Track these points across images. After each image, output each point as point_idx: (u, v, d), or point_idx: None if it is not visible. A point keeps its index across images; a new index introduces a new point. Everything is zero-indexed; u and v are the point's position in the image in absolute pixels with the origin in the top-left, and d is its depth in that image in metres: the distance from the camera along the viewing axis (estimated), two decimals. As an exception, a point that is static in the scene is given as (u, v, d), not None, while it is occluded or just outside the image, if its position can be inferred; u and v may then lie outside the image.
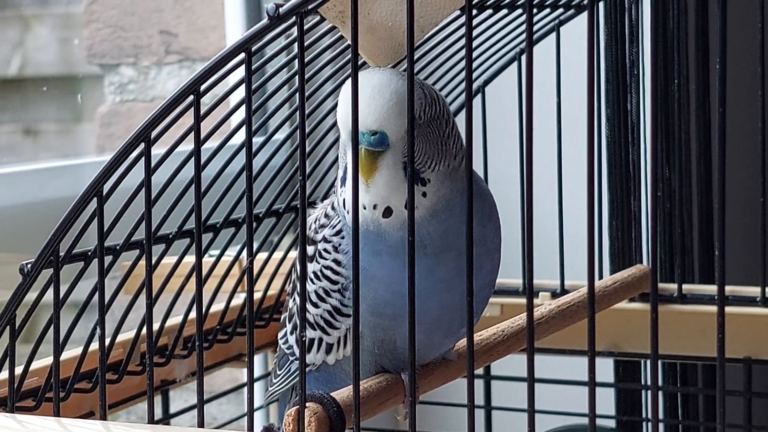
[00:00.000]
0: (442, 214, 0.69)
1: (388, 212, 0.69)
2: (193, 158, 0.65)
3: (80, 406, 0.83)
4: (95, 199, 0.66)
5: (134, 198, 0.70)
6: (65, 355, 0.77)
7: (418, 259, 0.63)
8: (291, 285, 0.80)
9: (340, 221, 0.73)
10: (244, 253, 0.70)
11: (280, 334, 0.81)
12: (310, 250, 0.74)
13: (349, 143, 0.68)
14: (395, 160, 0.68)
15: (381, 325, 0.71)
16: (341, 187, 0.71)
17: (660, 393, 1.17)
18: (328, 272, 0.73)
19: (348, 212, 0.71)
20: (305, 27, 0.62)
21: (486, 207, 0.72)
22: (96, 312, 0.69)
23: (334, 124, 0.93)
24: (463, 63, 0.60)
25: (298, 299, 0.77)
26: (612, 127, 1.14)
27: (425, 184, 0.69)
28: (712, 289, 1.04)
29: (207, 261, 0.88)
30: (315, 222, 0.74)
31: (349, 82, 0.68)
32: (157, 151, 0.67)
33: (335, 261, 0.72)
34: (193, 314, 0.88)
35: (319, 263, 0.73)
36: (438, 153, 0.69)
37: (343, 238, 0.72)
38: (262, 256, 0.97)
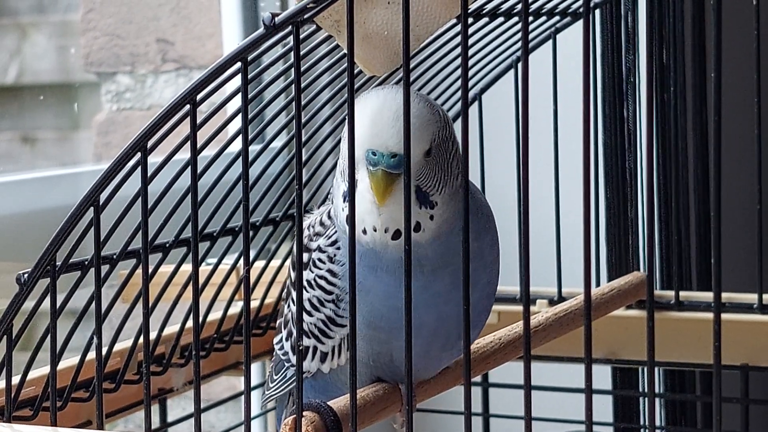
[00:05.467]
0: (444, 236, 0.69)
1: (397, 234, 0.69)
2: (189, 167, 0.65)
3: (78, 416, 0.83)
4: (92, 208, 0.66)
5: (131, 207, 0.70)
6: (62, 365, 0.77)
7: (414, 276, 0.63)
8: (286, 290, 0.80)
9: (335, 231, 0.72)
10: (242, 261, 0.70)
11: (275, 340, 0.81)
12: (304, 257, 0.73)
13: (363, 161, 0.68)
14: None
15: (377, 338, 0.71)
16: (343, 203, 0.71)
17: (657, 400, 1.17)
18: (322, 282, 0.73)
19: (368, 232, 0.70)
20: (301, 36, 0.62)
21: (482, 219, 0.72)
22: (93, 320, 0.69)
23: (332, 132, 0.94)
24: (460, 71, 0.60)
25: (293, 306, 0.77)
26: (608, 135, 1.14)
27: (433, 207, 0.69)
28: (709, 296, 1.05)
29: (204, 269, 0.88)
30: (309, 229, 0.74)
31: (369, 99, 0.68)
32: (154, 159, 0.67)
33: (330, 271, 0.72)
34: (190, 323, 0.88)
35: (313, 272, 0.73)
36: (445, 175, 0.69)
37: (338, 248, 0.72)
38: (259, 264, 0.98)
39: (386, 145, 0.67)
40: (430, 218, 0.69)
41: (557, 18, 1.04)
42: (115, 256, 0.76)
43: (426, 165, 0.68)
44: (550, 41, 1.05)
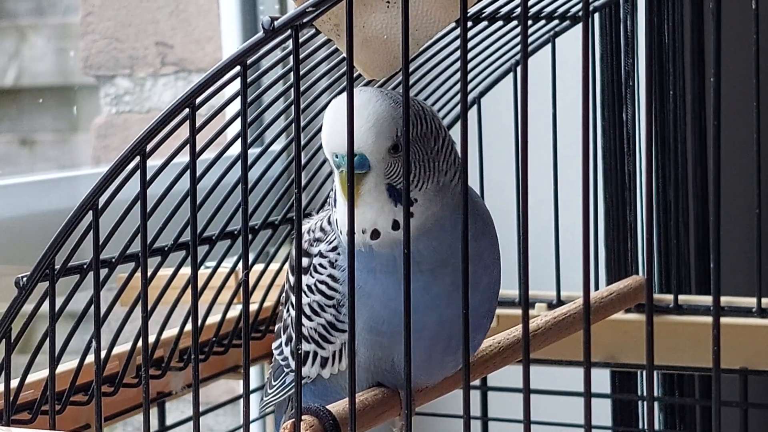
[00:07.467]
0: (432, 231, 0.69)
1: (375, 234, 0.69)
2: (188, 170, 0.65)
3: (76, 419, 0.83)
4: (91, 211, 0.66)
5: (130, 210, 0.70)
6: (61, 368, 0.77)
7: (413, 276, 0.63)
8: (284, 295, 0.80)
9: (336, 237, 0.72)
10: (240, 264, 0.70)
11: (274, 345, 0.81)
12: (304, 262, 0.73)
13: (335, 165, 0.68)
14: (377, 182, 0.68)
15: (378, 343, 0.71)
16: (333, 207, 0.71)
17: (656, 404, 1.17)
18: (323, 287, 0.73)
19: (342, 233, 0.71)
20: (300, 40, 0.62)
21: (480, 222, 0.72)
22: (92, 324, 0.69)
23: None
24: (459, 75, 0.60)
25: (292, 311, 0.77)
26: (608, 138, 1.14)
27: (412, 204, 0.69)
28: (708, 299, 1.05)
29: (203, 273, 0.88)
30: (309, 233, 0.74)
31: (332, 104, 0.69)
32: (153, 163, 0.67)
33: (331, 276, 0.72)
34: (189, 326, 0.88)
35: (313, 277, 0.73)
36: (425, 171, 0.69)
37: (339, 254, 0.72)
38: (258, 267, 0.98)
39: (344, 145, 0.67)
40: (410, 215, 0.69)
41: (556, 22, 1.04)
42: (114, 260, 0.76)
43: (394, 161, 0.68)
44: (549, 45, 1.05)
